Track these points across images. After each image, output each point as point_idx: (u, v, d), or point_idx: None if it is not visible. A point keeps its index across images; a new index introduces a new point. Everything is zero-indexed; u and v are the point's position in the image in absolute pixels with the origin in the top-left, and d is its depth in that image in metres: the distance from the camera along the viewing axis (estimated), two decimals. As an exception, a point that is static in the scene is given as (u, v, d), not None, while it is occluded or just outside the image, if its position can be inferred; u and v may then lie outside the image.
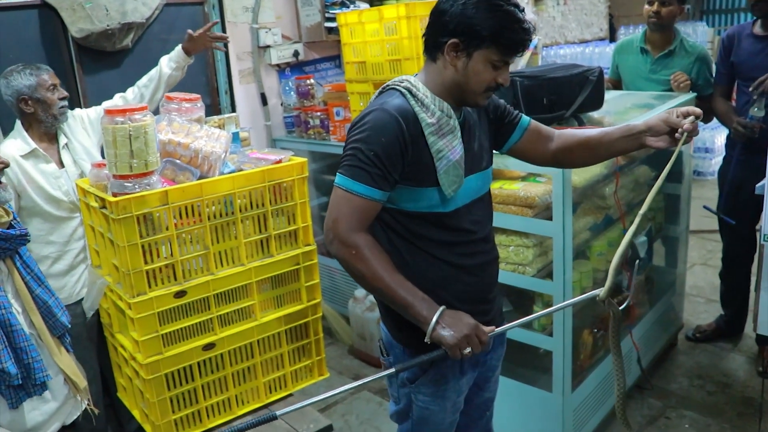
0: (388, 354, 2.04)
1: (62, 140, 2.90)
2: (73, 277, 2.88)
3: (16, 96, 2.75)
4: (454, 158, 1.82)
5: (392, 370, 1.86)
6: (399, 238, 1.87)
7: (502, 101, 2.07)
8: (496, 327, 1.89)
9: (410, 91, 1.82)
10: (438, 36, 1.79)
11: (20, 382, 1.95)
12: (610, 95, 3.41)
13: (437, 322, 1.74)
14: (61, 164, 2.86)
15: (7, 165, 2.03)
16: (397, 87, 1.85)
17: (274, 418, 1.84)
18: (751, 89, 3.26)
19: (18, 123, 2.83)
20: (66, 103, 2.87)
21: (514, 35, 1.74)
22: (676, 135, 1.87)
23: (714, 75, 3.72)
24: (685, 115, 1.86)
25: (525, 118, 2.09)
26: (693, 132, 1.85)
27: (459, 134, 1.85)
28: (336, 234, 1.77)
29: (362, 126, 1.77)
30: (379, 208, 1.82)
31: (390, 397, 2.17)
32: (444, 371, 1.98)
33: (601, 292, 1.84)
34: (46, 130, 2.85)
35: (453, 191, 1.84)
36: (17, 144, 2.77)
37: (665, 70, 3.74)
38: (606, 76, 4.15)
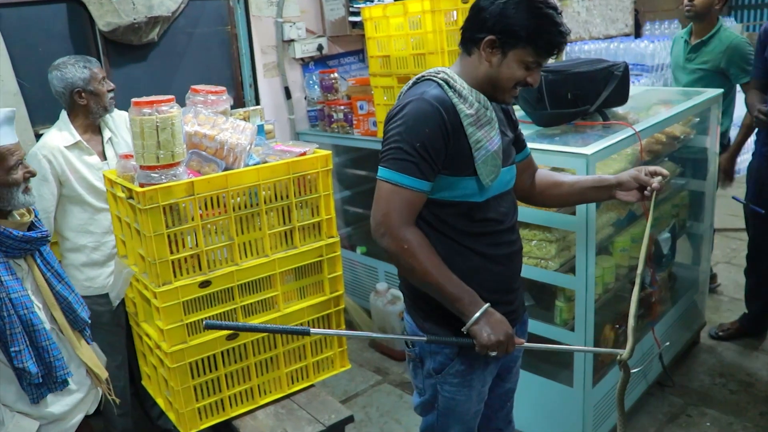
0: (414, 345, 2.06)
1: (106, 134, 2.96)
2: (109, 268, 2.91)
3: (71, 88, 2.80)
4: (492, 148, 1.85)
5: (424, 338, 1.94)
6: (428, 227, 1.89)
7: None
8: (519, 318, 2.06)
9: (447, 83, 1.84)
10: (475, 31, 1.82)
11: (41, 381, 1.99)
12: (635, 90, 3.39)
13: (480, 318, 1.82)
14: (104, 157, 2.92)
15: (33, 174, 2.07)
16: (434, 78, 1.86)
17: (308, 333, 1.96)
18: None
19: (63, 114, 2.87)
20: (113, 95, 2.93)
21: (551, 38, 1.78)
22: (645, 192, 2.04)
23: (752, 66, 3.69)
24: (653, 174, 2.04)
25: (527, 146, 2.18)
26: (661, 190, 2.03)
27: (497, 125, 1.89)
28: (388, 228, 1.80)
29: (404, 117, 1.78)
30: (425, 199, 1.84)
31: (414, 389, 2.18)
32: (470, 361, 2.00)
33: (623, 352, 1.92)
34: (93, 122, 2.91)
35: (491, 181, 1.87)
36: (62, 135, 2.82)
37: (699, 58, 3.82)
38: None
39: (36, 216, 2.11)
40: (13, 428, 1.98)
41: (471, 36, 1.84)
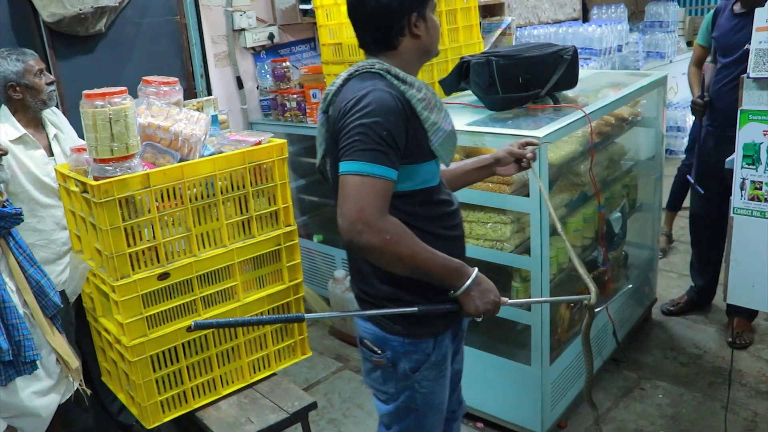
0: (384, 350, 1.97)
1: (51, 130, 2.90)
2: (60, 266, 2.86)
3: (4, 83, 2.73)
4: (448, 129, 1.87)
5: (416, 309, 1.86)
6: None
7: None
8: None
9: (389, 72, 1.82)
10: (394, 25, 1.84)
11: (11, 358, 1.95)
12: (583, 74, 3.46)
13: (470, 288, 1.82)
14: (50, 153, 2.86)
15: (5, 152, 2.03)
16: (372, 70, 1.83)
17: (302, 319, 1.93)
18: None
19: (4, 109, 2.80)
20: (54, 87, 2.86)
21: None
22: (522, 164, 2.21)
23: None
24: (525, 145, 2.22)
25: None
26: (534, 159, 2.22)
27: (444, 107, 1.91)
28: (366, 223, 1.68)
29: (366, 107, 1.72)
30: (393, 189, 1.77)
31: (380, 396, 2.07)
32: (444, 350, 2.01)
33: (591, 297, 1.98)
34: (34, 116, 2.84)
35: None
36: (6, 129, 2.74)
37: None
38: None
39: (7, 200, 2.07)
40: None
41: (394, 31, 1.85)
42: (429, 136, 1.82)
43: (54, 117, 2.96)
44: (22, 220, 2.06)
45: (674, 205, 4.94)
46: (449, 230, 1.95)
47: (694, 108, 3.59)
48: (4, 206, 1.99)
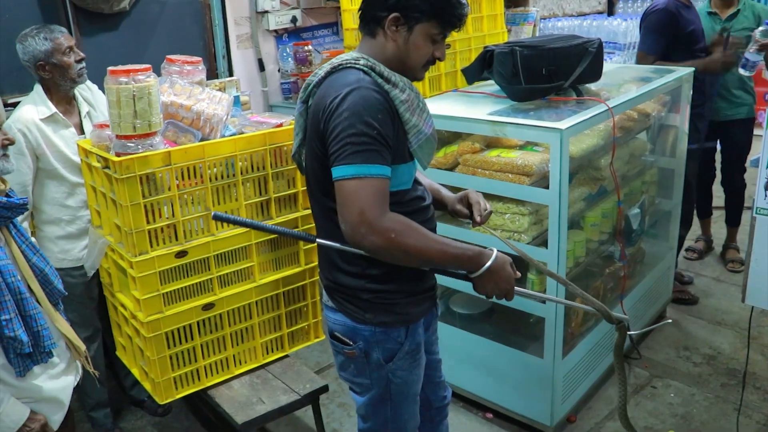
0: (355, 341, 1.95)
1: (84, 108, 2.88)
2: (83, 241, 2.85)
3: (33, 62, 2.71)
4: (428, 132, 1.84)
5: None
6: None
7: None
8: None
9: (373, 69, 1.77)
10: (377, 10, 1.79)
11: (30, 350, 1.95)
12: (607, 68, 3.43)
13: (483, 274, 1.78)
14: (82, 131, 2.85)
15: (12, 142, 2.01)
16: (356, 66, 1.78)
17: (313, 240, 1.92)
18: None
19: (38, 86, 2.80)
20: (83, 65, 2.82)
21: (454, 10, 1.78)
22: (474, 220, 2.06)
23: (649, 45, 3.90)
24: (474, 204, 2.08)
25: None
26: (482, 223, 2.06)
27: (427, 108, 1.87)
28: (368, 226, 1.65)
29: (351, 108, 1.68)
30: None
31: (356, 388, 2.06)
32: (418, 339, 1.99)
33: (601, 312, 2.00)
34: (65, 94, 2.83)
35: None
36: (37, 108, 2.73)
37: (736, 26, 4.10)
38: None
39: (10, 188, 2.07)
40: (4, 415, 1.93)
41: (373, 15, 1.80)
42: (409, 138, 1.79)
43: (88, 93, 2.93)
44: (28, 210, 2.04)
45: (704, 211, 4.68)
46: (423, 224, 1.88)
47: (731, 63, 3.77)
48: (9, 196, 1.97)
